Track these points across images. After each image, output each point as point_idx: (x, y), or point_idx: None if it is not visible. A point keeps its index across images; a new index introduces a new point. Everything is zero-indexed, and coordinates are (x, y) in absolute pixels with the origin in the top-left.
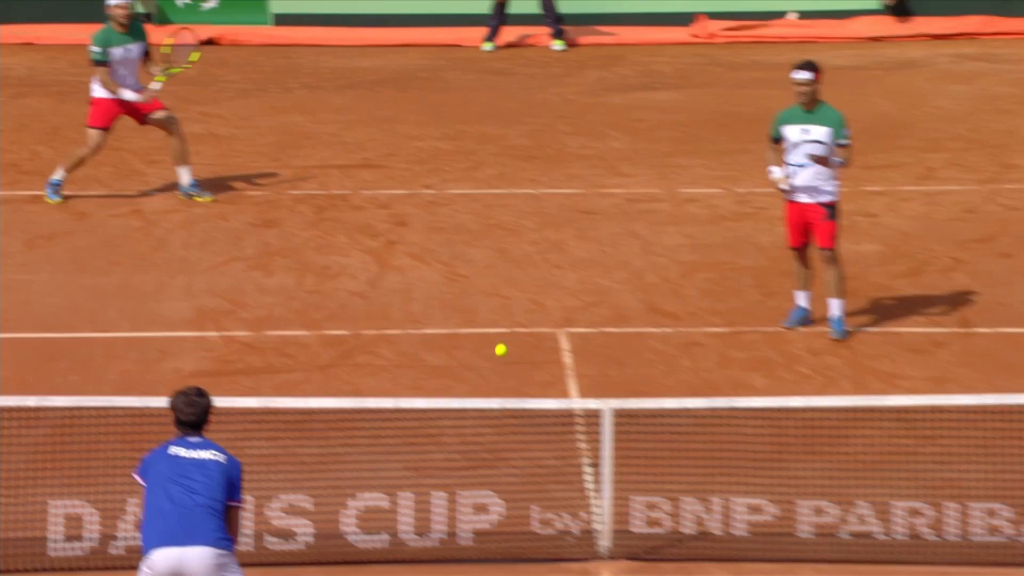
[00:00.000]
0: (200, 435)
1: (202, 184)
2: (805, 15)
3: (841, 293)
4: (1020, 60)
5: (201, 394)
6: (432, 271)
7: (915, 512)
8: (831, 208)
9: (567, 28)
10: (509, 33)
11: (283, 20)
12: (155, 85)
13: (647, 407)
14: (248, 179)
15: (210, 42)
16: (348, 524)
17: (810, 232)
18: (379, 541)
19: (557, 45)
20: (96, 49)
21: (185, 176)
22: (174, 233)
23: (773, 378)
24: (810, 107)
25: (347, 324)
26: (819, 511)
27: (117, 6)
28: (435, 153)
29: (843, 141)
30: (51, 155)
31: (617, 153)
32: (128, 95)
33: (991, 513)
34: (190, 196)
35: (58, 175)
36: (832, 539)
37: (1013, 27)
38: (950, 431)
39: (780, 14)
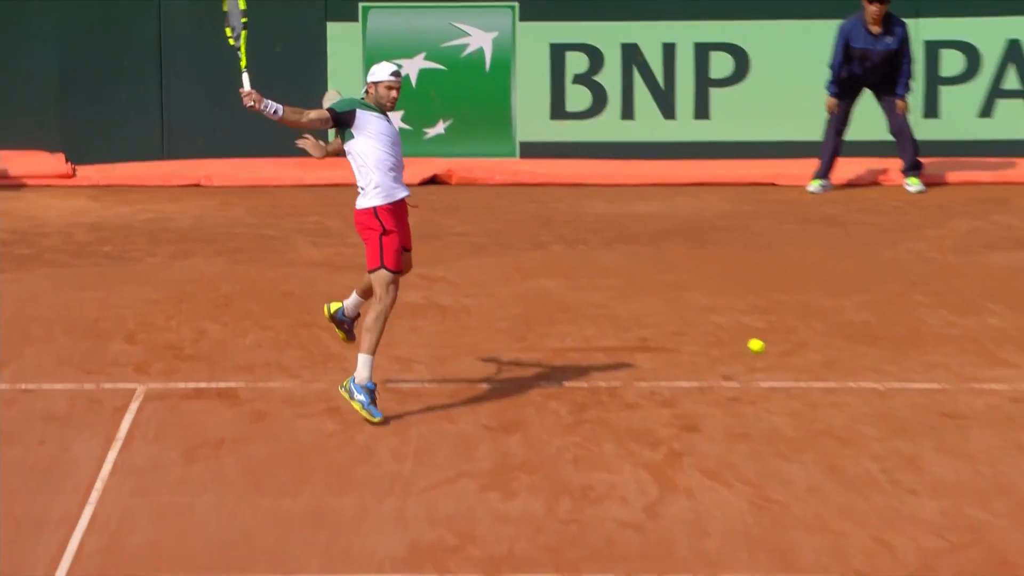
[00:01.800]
0: None
1: (419, 367)
2: None
3: None
4: None
5: None
6: (734, 495)
7: None
8: None
9: (927, 160)
10: (845, 168)
11: (532, 151)
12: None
13: None
14: (483, 366)
15: (434, 180)
16: None
17: None
18: None
19: (912, 185)
20: (341, 100)
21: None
22: (382, 440)
23: None
24: None
25: (617, 566)
26: None
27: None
28: (740, 332)
29: None
30: (221, 334)
31: (997, 333)
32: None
33: None
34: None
35: (364, 372)
36: None
37: None
38: None
39: None
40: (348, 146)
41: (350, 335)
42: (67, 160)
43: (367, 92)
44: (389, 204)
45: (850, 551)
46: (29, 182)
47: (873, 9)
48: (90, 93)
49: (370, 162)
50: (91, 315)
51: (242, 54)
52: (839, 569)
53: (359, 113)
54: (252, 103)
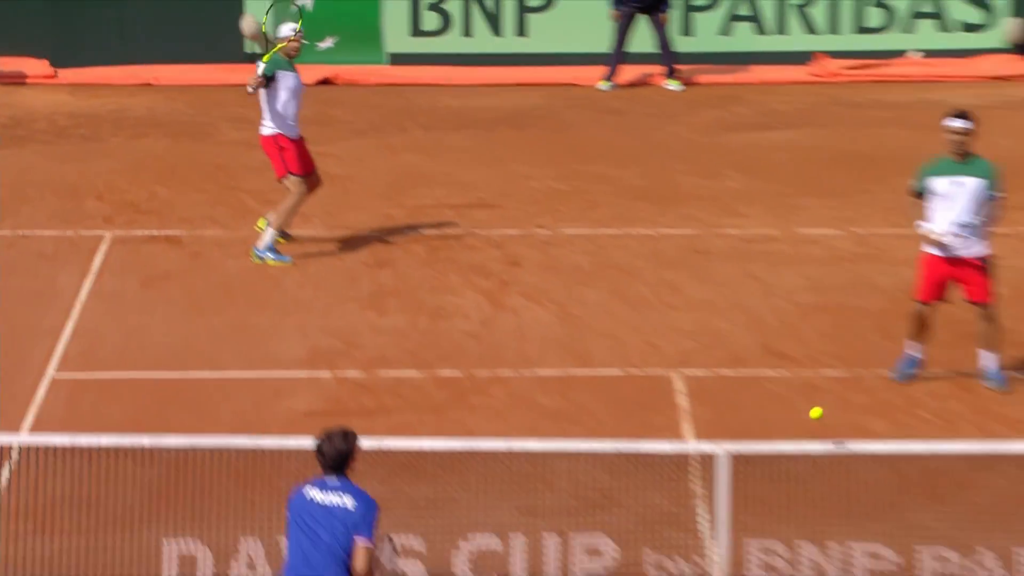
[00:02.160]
0: (339, 477)
1: (306, 223)
2: (928, 54)
3: (997, 347)
4: None
5: (345, 438)
6: (546, 312)
7: None
8: (985, 262)
9: (683, 67)
10: (627, 72)
11: (399, 60)
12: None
13: (764, 451)
14: (363, 219)
15: (326, 82)
16: (460, 566)
17: (961, 287)
18: None
19: (672, 85)
20: (264, 66)
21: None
22: (288, 274)
23: (893, 423)
24: (962, 158)
25: (460, 365)
26: (940, 558)
27: (294, 38)
28: (550, 193)
29: (996, 195)
30: (168, 195)
31: (733, 193)
32: (292, 128)
33: None
34: (262, 260)
35: (268, 238)
36: None
37: None
38: None
39: (901, 53)
40: (266, 90)
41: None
42: (51, 64)
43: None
44: (289, 136)
45: (629, 352)
46: (21, 81)
47: None
48: (70, 12)
49: (278, 106)
50: (71, 181)
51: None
52: (621, 365)
53: (279, 74)
54: (252, 89)
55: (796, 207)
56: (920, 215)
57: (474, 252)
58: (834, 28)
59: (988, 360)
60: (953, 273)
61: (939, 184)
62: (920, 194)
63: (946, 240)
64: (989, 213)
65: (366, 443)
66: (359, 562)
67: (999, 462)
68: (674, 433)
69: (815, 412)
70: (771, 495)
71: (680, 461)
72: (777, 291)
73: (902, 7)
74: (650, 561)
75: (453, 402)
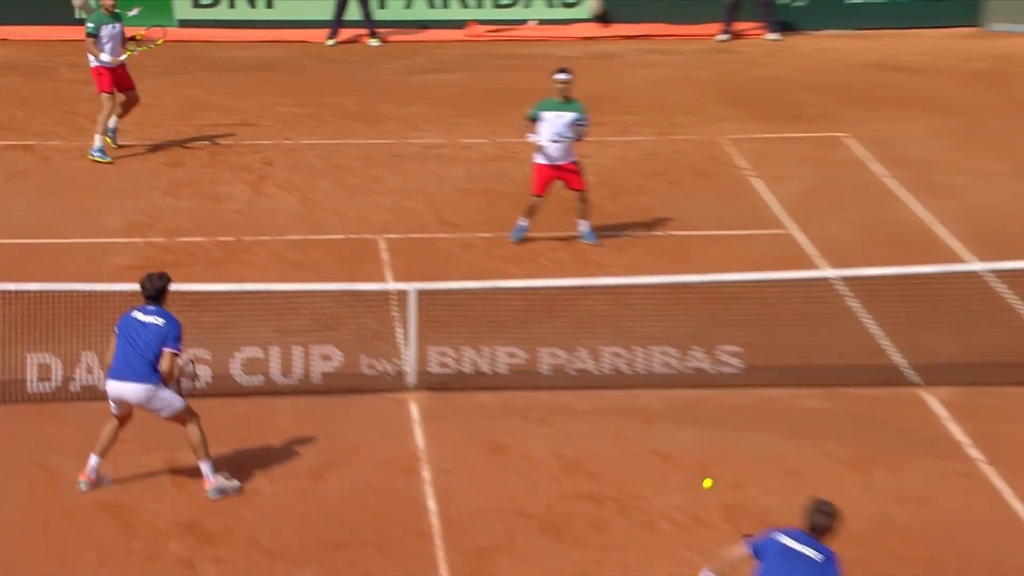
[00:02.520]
0: (156, 305)
1: (123, 136)
2: (542, 22)
3: (589, 216)
4: (682, 53)
5: (160, 277)
6: (291, 196)
7: (616, 355)
8: (577, 164)
9: (380, 30)
10: (344, 33)
11: (185, 24)
12: (125, 55)
13: (440, 288)
14: (163, 133)
15: (133, 39)
16: (235, 369)
17: (564, 181)
18: (256, 380)
19: (374, 42)
20: (91, 25)
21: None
22: (110, 171)
23: (524, 267)
24: (563, 99)
25: (233, 232)
26: (553, 355)
27: (110, 1)
28: (293, 116)
29: (584, 124)
30: (24, 117)
31: (417, 115)
32: (106, 58)
33: (664, 353)
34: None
35: (97, 143)
36: (562, 373)
37: (679, 31)
38: (640, 299)
39: (524, 21)
40: (94, 37)
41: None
42: None
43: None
44: (107, 65)
45: (348, 222)
46: None
47: None
48: None
49: (100, 46)
50: None
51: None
52: (343, 231)
53: (101, 26)
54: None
55: (458, 124)
56: (532, 132)
57: (241, 156)
58: (480, 4)
59: (584, 226)
60: (556, 175)
61: (547, 116)
62: (534, 120)
63: (549, 150)
64: (579, 134)
65: (170, 287)
66: (165, 363)
67: (591, 291)
68: (379, 277)
69: (707, 483)
70: (444, 317)
71: (383, 296)
72: (446, 181)
73: None
74: (364, 363)
75: (228, 258)
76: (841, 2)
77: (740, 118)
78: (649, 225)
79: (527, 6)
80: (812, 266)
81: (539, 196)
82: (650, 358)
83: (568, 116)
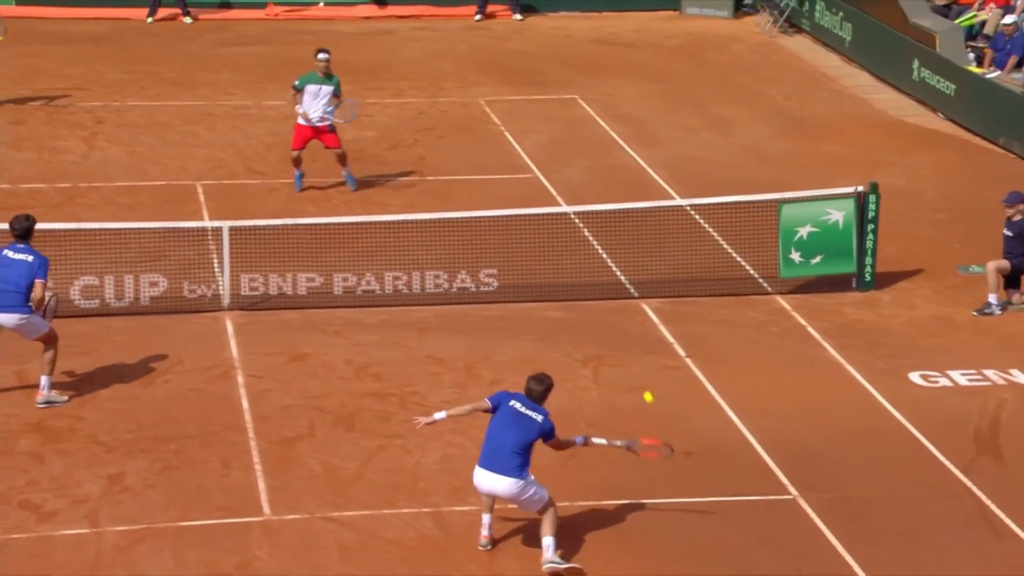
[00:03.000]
0: (24, 243)
1: None
2: (329, 4)
3: (346, 164)
4: (444, 30)
5: (27, 218)
6: (120, 150)
7: (397, 278)
8: (332, 127)
9: (193, 9)
10: (162, 12)
11: (23, 2)
12: None
13: (248, 224)
14: (5, 95)
15: None
16: (75, 295)
17: (320, 141)
18: (93, 304)
19: (187, 19)
20: None
21: None
22: None
23: (319, 207)
24: (324, 75)
25: (70, 180)
26: (345, 279)
27: None
28: (119, 81)
29: (339, 93)
30: None
31: (227, 81)
32: None
33: (436, 276)
34: None
35: None
36: (353, 294)
37: (443, 12)
38: (415, 233)
39: (316, 3)
40: None
41: None
42: None
43: None
44: None
45: (170, 171)
46: None
47: None
48: None
49: None
50: None
51: None
52: (166, 179)
53: None
54: None
55: (262, 89)
56: (298, 102)
57: (75, 115)
58: None
59: (344, 172)
60: (313, 134)
61: (310, 88)
62: (298, 90)
63: (311, 116)
64: (337, 104)
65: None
66: (37, 292)
67: (374, 226)
68: (198, 216)
69: (648, 397)
70: (255, 249)
71: (202, 232)
72: (252, 136)
73: None
74: (186, 288)
75: (66, 202)
76: None
77: (494, 83)
78: (422, 171)
79: None
80: (554, 203)
81: (297, 150)
82: (424, 280)
83: (327, 89)
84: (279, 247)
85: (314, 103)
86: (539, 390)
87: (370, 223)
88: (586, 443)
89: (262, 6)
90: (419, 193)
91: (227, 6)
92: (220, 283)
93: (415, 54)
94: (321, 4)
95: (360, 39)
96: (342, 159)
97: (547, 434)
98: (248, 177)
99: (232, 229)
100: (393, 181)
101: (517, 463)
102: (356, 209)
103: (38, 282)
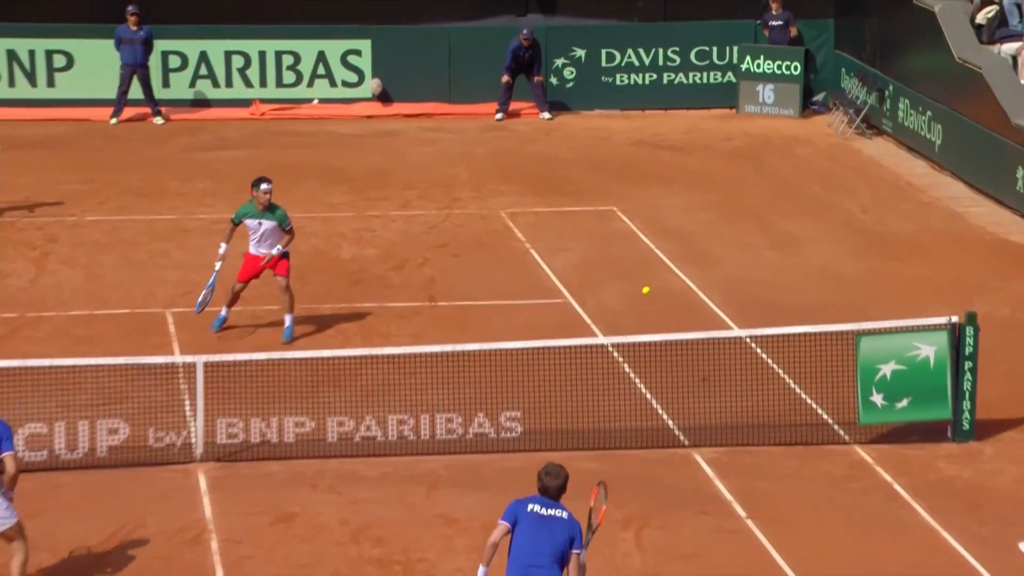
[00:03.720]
0: None
1: None
2: (324, 101)
3: (292, 308)
4: (458, 131)
5: None
6: (76, 272)
7: (402, 422)
8: (285, 255)
9: (164, 109)
10: (129, 112)
11: None
12: None
13: (227, 359)
14: None
15: None
16: (19, 445)
17: (271, 269)
18: (40, 456)
19: (158, 120)
20: None
21: None
22: None
23: (310, 339)
24: (266, 207)
25: (16, 309)
26: (341, 424)
27: None
28: (76, 192)
29: (287, 227)
30: None
31: (203, 191)
32: None
33: (449, 420)
34: None
35: None
36: (350, 442)
37: (453, 110)
38: (424, 368)
39: (308, 100)
40: None
41: None
42: None
43: None
44: None
45: (135, 297)
46: None
47: None
48: None
49: None
50: None
51: None
52: (130, 306)
53: None
54: None
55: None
56: (226, 240)
57: (23, 233)
58: (264, 83)
59: (288, 319)
60: (264, 265)
61: (248, 223)
62: (236, 224)
63: (258, 247)
64: (284, 242)
65: None
66: (8, 467)
67: (376, 360)
68: (167, 350)
69: (645, 289)
70: (234, 389)
71: (171, 368)
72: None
73: (306, 70)
74: (152, 436)
75: (11, 334)
76: (608, 84)
77: (517, 192)
78: (432, 296)
79: (310, 86)
80: (588, 333)
81: (242, 283)
82: (435, 425)
83: (269, 224)
84: (263, 386)
85: (257, 239)
86: (556, 485)
87: (371, 357)
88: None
89: (246, 104)
90: (429, 322)
91: (204, 104)
92: (192, 430)
93: (424, 159)
94: (315, 101)
95: (360, 141)
96: (287, 297)
97: (576, 536)
98: (224, 303)
99: (207, 365)
100: (399, 307)
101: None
102: (355, 341)
103: (6, 456)
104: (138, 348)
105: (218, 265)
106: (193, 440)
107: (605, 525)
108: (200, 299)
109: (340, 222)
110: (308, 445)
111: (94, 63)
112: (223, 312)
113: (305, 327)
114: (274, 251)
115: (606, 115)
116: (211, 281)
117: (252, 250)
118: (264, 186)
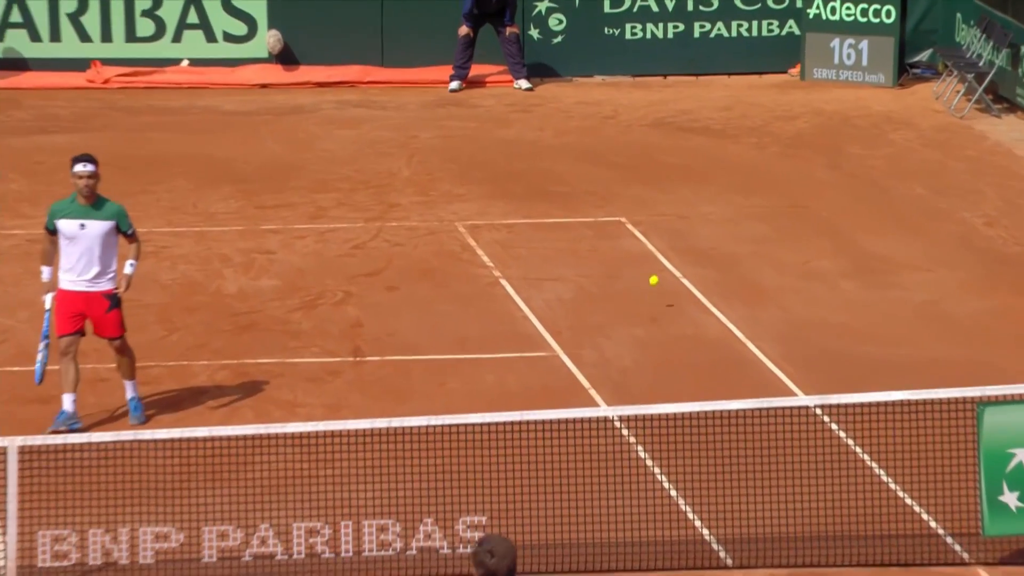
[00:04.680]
0: None
1: None
2: (196, 62)
3: (133, 374)
4: (395, 107)
5: None
6: None
7: (313, 532)
8: (114, 294)
9: None
10: None
11: None
12: None
13: (53, 443)
14: None
15: None
16: None
17: (92, 321)
18: None
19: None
20: None
21: None
22: None
23: (177, 412)
24: (89, 199)
25: None
26: (223, 535)
27: None
28: None
29: (130, 232)
30: None
31: (15, 193)
32: None
33: (382, 529)
34: None
35: None
36: (235, 562)
37: (388, 76)
38: (344, 454)
39: (175, 61)
40: None
41: None
42: None
43: None
44: None
45: None
46: None
47: None
48: None
49: None
50: None
51: None
52: None
53: None
54: None
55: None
56: (46, 259)
57: None
58: (108, 36)
59: (129, 389)
60: (82, 308)
61: (65, 229)
62: (53, 233)
63: (75, 271)
64: (134, 249)
65: None
66: None
67: (274, 441)
68: None
69: (653, 279)
70: (64, 486)
71: None
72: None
73: (170, 18)
74: None
75: None
76: (613, 38)
77: (481, 196)
78: (357, 348)
79: (176, 40)
80: (585, 401)
81: (69, 335)
82: (361, 535)
83: (99, 227)
84: (107, 481)
85: (75, 255)
86: (506, 567)
87: (267, 436)
88: None
89: (82, 67)
90: (352, 385)
91: (16, 66)
92: (1, 546)
93: (346, 148)
94: (184, 63)
95: (251, 122)
96: (125, 362)
97: None
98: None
99: (23, 451)
100: (308, 365)
101: None
102: (243, 414)
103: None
104: None
105: (48, 300)
106: (2, 561)
107: None
108: (38, 361)
109: (222, 240)
110: (175, 568)
111: None
112: (42, 352)
113: (168, 395)
114: (126, 269)
115: (610, 83)
116: (44, 328)
117: (66, 283)
118: (80, 167)
